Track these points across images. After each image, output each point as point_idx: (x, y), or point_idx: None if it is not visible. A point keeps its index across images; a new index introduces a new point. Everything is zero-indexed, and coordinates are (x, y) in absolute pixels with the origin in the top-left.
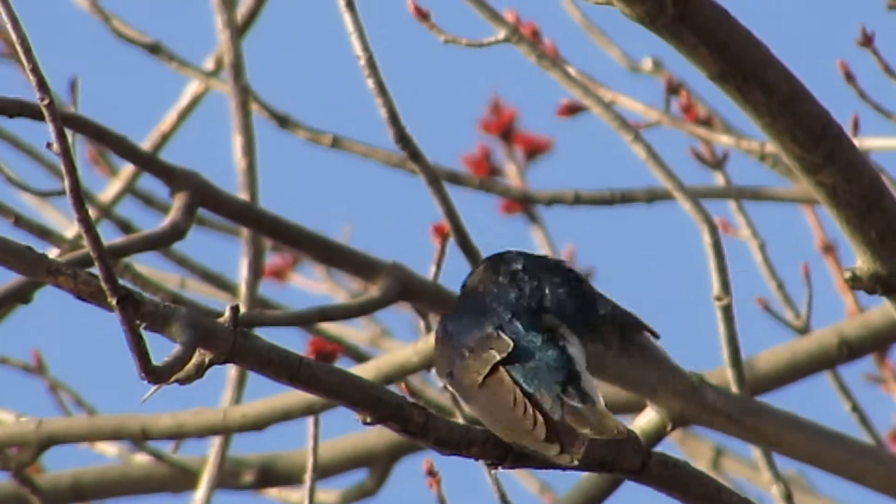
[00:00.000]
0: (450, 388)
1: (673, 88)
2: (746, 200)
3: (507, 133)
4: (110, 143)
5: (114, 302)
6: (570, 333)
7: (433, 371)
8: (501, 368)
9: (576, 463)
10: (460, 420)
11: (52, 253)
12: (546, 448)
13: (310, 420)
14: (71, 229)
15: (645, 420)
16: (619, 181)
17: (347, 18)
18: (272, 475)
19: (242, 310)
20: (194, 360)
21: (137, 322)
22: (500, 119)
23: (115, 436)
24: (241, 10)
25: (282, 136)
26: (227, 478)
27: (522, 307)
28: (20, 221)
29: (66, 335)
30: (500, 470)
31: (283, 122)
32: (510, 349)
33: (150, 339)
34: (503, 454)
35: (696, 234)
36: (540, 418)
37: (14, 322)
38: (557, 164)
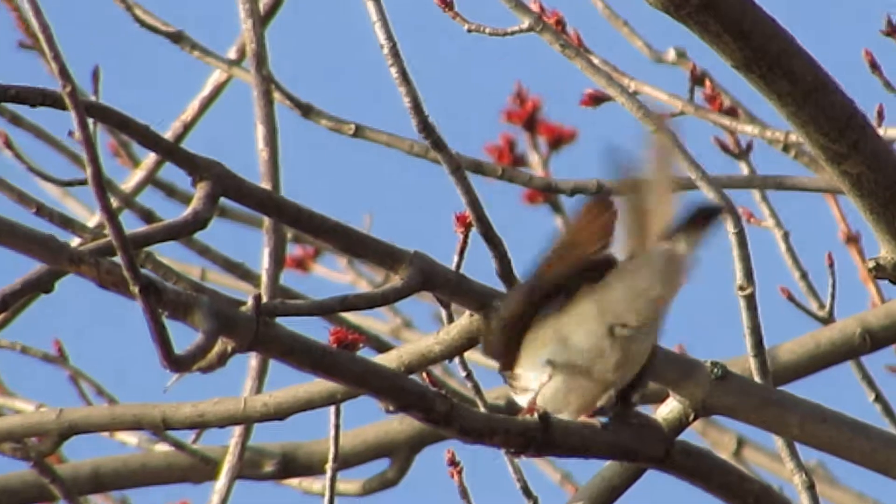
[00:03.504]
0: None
1: (697, 78)
2: (770, 190)
3: (530, 123)
4: (133, 132)
5: (136, 290)
6: None
7: (455, 360)
8: None
9: None
10: (482, 409)
11: (74, 242)
12: None
13: (331, 409)
14: (93, 219)
15: (667, 410)
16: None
17: (371, 7)
18: (293, 465)
19: (264, 299)
20: (217, 348)
21: (160, 310)
22: (524, 109)
23: (135, 425)
24: None
25: (304, 126)
26: (248, 467)
27: None
28: (42, 211)
29: (87, 325)
30: (523, 458)
31: (306, 111)
32: None
33: (172, 328)
34: (526, 443)
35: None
36: None
37: (35, 311)
38: (581, 154)
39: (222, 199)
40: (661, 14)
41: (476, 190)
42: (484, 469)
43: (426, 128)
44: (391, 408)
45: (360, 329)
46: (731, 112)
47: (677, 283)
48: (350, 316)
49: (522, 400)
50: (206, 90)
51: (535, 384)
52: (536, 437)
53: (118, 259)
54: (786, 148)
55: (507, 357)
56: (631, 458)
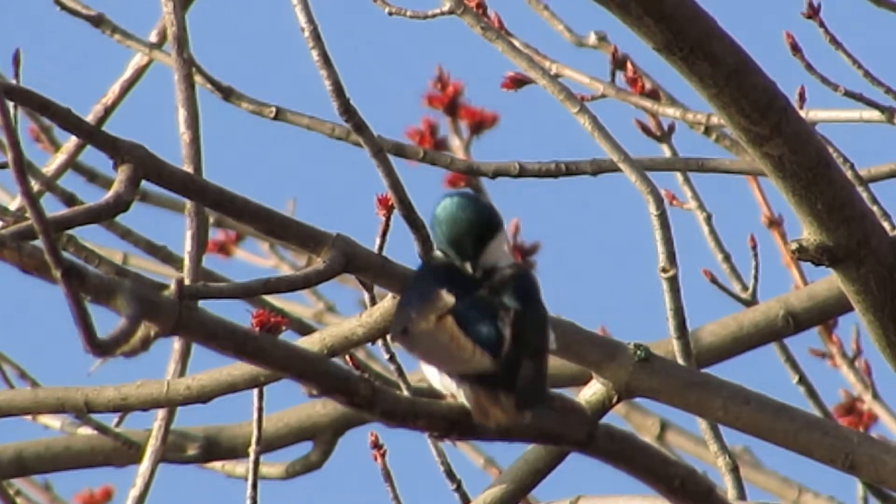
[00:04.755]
0: (403, 344)
1: (618, 61)
2: (692, 172)
3: (452, 107)
4: (54, 115)
5: (58, 274)
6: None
7: (378, 343)
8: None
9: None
10: (406, 393)
11: None
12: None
13: (254, 392)
14: (14, 203)
15: (590, 392)
16: (565, 153)
17: None
18: (217, 448)
19: (187, 282)
20: (140, 333)
21: (82, 295)
22: (445, 93)
23: (58, 408)
24: None
25: (226, 109)
26: (172, 451)
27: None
28: None
29: (9, 309)
30: (447, 442)
31: (228, 94)
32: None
33: (95, 313)
34: (449, 426)
35: (642, 205)
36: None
37: None
38: (503, 137)
39: (144, 183)
40: None
41: (398, 173)
42: (407, 452)
43: (347, 110)
44: (314, 392)
45: (283, 312)
46: (653, 95)
47: None
48: (273, 300)
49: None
50: (127, 73)
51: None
52: (460, 420)
53: (40, 243)
54: (707, 130)
55: None
56: (554, 441)
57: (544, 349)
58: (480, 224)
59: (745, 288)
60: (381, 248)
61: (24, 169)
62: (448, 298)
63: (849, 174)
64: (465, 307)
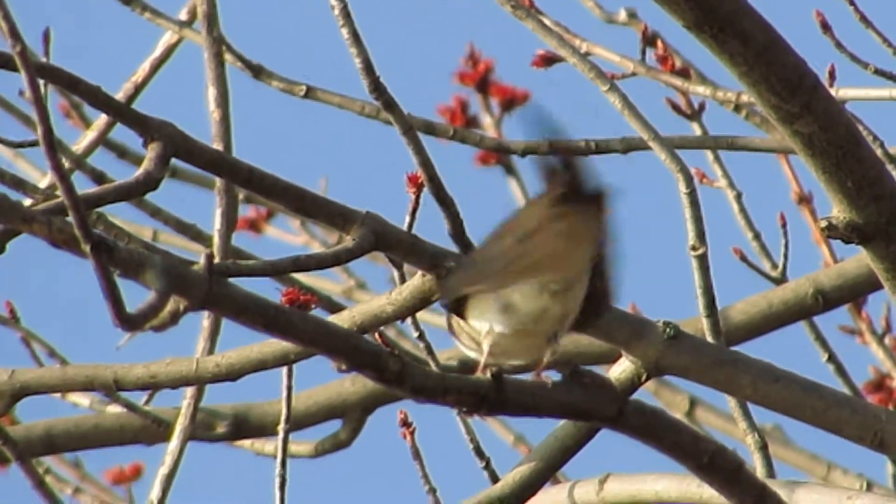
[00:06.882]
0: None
1: (648, 39)
2: (722, 151)
3: (483, 84)
4: (84, 92)
5: (87, 248)
6: None
7: (408, 321)
8: None
9: None
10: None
11: (26, 203)
12: None
13: (283, 370)
14: (44, 180)
15: (619, 370)
16: (595, 132)
17: None
18: (246, 426)
19: (216, 259)
20: (169, 307)
21: (111, 269)
22: (476, 70)
23: (87, 386)
24: None
25: (256, 87)
26: (201, 429)
27: None
28: None
29: (39, 286)
30: (476, 418)
31: (257, 72)
32: None
33: (125, 288)
34: (479, 402)
35: (672, 183)
36: None
37: None
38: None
39: (174, 160)
40: None
41: (428, 151)
42: (436, 430)
43: (377, 88)
44: (344, 367)
45: (312, 290)
46: (683, 73)
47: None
48: (302, 277)
49: (468, 351)
50: (158, 52)
51: (484, 340)
52: (489, 396)
53: (70, 219)
54: (737, 108)
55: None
56: (584, 417)
57: None
58: None
59: (774, 266)
60: (410, 226)
61: (54, 146)
62: None
63: (879, 152)
64: None
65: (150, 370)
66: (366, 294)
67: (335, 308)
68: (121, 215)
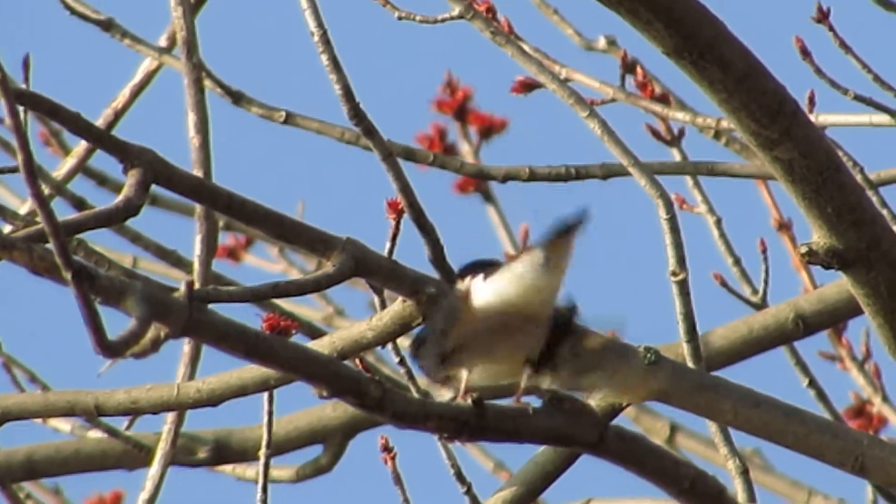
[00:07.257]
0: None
1: (628, 66)
2: (702, 176)
3: (461, 112)
4: (64, 119)
5: (69, 276)
6: None
7: (388, 347)
8: None
9: None
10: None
11: (6, 230)
12: None
13: (264, 396)
14: (24, 206)
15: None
16: (575, 158)
17: None
18: (226, 451)
19: (197, 286)
20: (150, 334)
21: (92, 296)
22: (455, 98)
23: (68, 411)
24: None
25: (236, 113)
26: (182, 454)
27: None
28: None
29: (20, 312)
30: (457, 443)
31: (237, 98)
32: None
33: (105, 315)
34: (460, 427)
35: (652, 209)
36: None
37: None
38: (513, 141)
39: (154, 187)
40: (591, 1)
41: (408, 177)
42: (417, 456)
43: (357, 115)
44: (325, 393)
45: (292, 316)
46: (663, 99)
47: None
48: (283, 303)
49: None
50: (137, 78)
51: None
52: (470, 421)
53: (50, 246)
54: (717, 135)
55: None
56: (565, 442)
57: None
58: None
59: (755, 291)
60: (390, 252)
61: (34, 172)
62: None
63: (858, 178)
64: None
65: (131, 395)
66: (345, 321)
67: (316, 333)
68: (101, 242)
